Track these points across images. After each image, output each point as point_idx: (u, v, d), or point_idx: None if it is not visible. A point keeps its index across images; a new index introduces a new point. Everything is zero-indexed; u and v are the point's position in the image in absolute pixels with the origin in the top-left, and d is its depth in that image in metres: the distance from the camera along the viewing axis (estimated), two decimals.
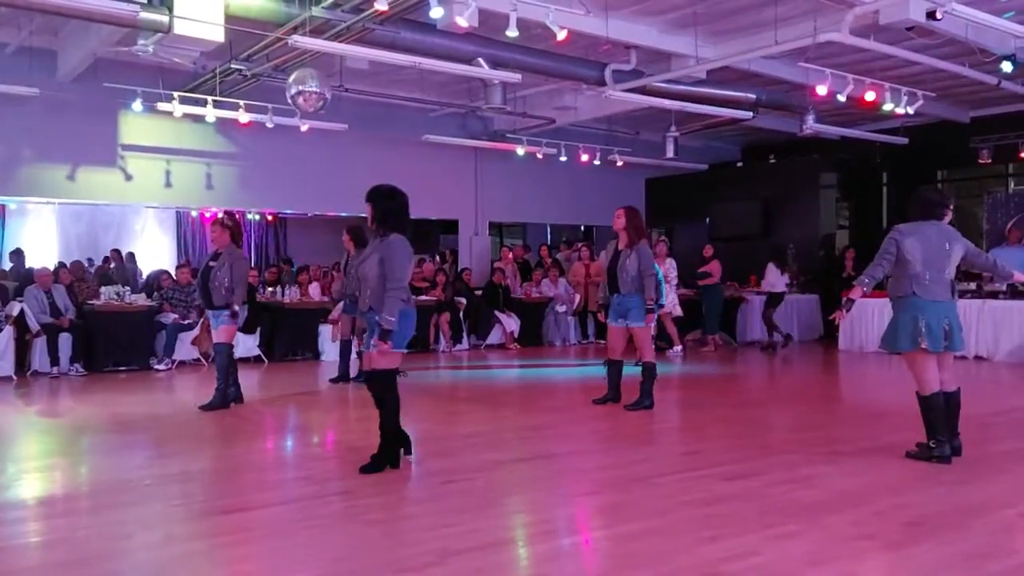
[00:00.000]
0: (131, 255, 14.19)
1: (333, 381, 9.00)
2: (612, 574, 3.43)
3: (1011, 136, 13.62)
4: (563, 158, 14.29)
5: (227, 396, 7.40)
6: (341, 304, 9.18)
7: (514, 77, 10.05)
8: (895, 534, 3.85)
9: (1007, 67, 9.72)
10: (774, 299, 12.83)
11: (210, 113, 10.82)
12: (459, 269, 14.25)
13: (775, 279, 12.89)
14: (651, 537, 3.82)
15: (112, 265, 13.44)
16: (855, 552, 3.62)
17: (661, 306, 10.55)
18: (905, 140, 13.92)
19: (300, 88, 9.23)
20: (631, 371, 7.57)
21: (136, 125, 11.82)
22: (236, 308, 7.29)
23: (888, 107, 11.06)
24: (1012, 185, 14.69)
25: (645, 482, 4.82)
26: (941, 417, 5.11)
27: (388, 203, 5.06)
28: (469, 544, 3.72)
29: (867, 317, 12.05)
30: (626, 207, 7.41)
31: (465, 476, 4.96)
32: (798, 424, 6.72)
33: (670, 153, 14.01)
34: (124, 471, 5.36)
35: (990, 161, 14.07)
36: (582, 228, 17.57)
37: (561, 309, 13.50)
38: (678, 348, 11.95)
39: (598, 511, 4.37)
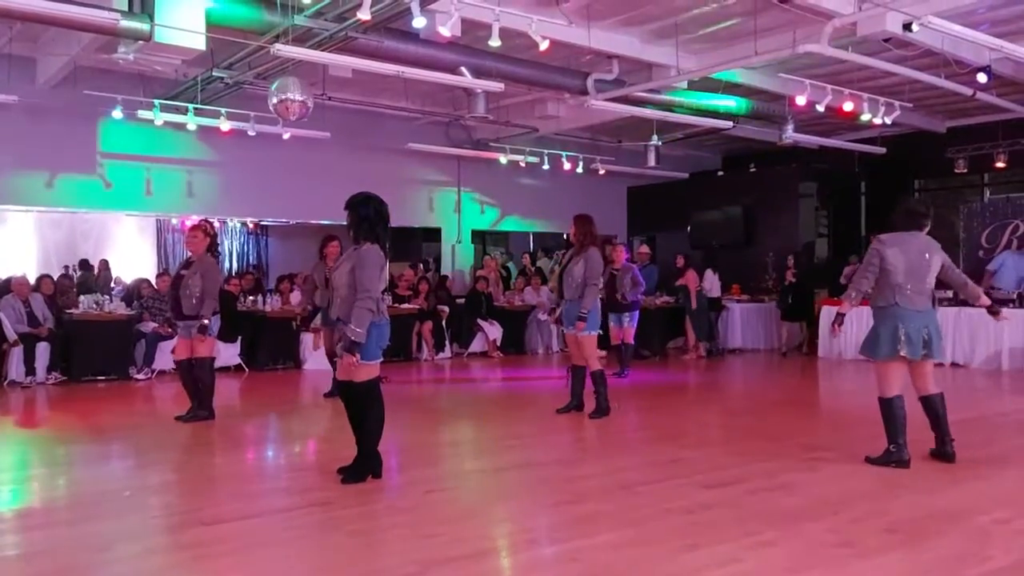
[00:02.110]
0: (104, 262, 14.00)
1: (327, 396, 8.39)
2: None
3: (986, 146, 13.79)
4: (546, 167, 14.36)
5: (212, 408, 7.23)
6: (319, 316, 8.81)
7: (497, 86, 10.09)
8: (872, 541, 3.90)
9: (982, 78, 9.86)
10: (714, 304, 12.99)
11: (191, 121, 10.77)
12: (440, 275, 14.25)
13: (713, 284, 13.07)
14: (632, 546, 3.85)
15: (77, 275, 13.21)
16: (833, 560, 3.66)
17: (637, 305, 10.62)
18: (883, 150, 14.05)
19: (282, 96, 9.20)
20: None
21: (116, 133, 11.72)
22: (205, 321, 7.07)
23: (866, 117, 11.17)
24: (988, 194, 14.88)
25: (626, 490, 4.84)
26: (900, 422, 5.29)
27: (362, 210, 5.01)
28: (451, 554, 3.73)
29: (845, 326, 12.12)
30: (576, 216, 7.39)
31: (447, 485, 4.97)
32: (778, 431, 6.77)
33: (651, 162, 14.08)
34: (103, 482, 5.34)
35: (966, 171, 14.25)
36: (565, 236, 17.56)
37: (543, 317, 13.52)
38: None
39: (580, 520, 4.38)
